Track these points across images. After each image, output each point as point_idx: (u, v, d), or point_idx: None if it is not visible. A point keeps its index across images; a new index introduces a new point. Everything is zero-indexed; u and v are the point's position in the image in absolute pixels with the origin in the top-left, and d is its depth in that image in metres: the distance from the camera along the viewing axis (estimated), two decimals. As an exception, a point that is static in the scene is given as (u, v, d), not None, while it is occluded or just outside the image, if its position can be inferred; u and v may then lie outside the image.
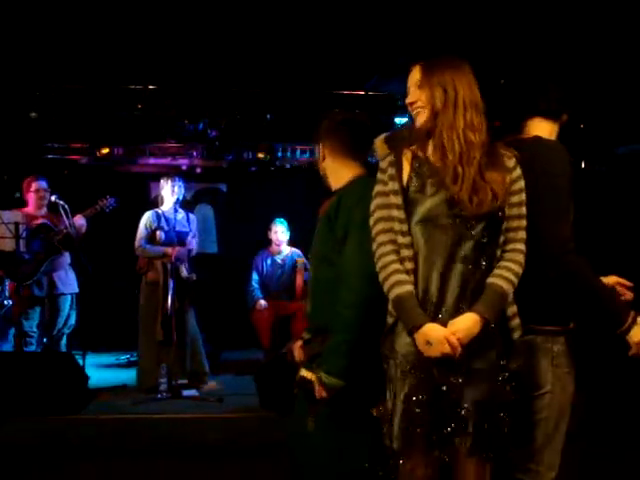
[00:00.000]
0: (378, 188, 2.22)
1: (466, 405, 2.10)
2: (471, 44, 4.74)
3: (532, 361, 2.31)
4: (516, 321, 2.18)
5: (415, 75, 2.23)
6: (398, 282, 2.12)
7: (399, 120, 6.79)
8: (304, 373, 2.45)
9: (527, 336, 2.29)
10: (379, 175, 2.23)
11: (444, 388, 2.11)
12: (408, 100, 2.24)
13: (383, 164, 2.24)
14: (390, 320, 2.20)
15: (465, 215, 2.10)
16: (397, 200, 2.16)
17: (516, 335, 2.17)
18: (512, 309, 2.18)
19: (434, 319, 2.10)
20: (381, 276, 2.16)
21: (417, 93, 2.20)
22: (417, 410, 2.10)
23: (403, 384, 2.13)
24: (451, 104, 2.14)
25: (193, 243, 5.78)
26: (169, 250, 5.57)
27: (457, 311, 2.10)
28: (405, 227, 2.15)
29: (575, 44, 4.89)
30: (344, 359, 2.33)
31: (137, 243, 5.69)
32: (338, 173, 2.61)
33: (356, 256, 2.34)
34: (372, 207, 2.22)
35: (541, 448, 2.33)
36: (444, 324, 2.08)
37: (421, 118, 2.19)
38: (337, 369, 2.33)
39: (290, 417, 2.62)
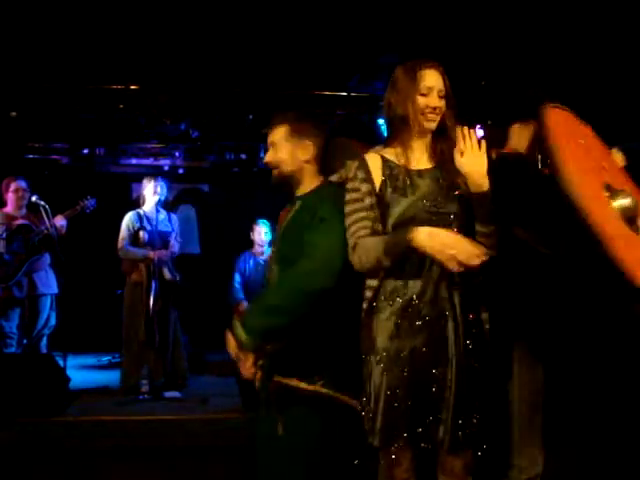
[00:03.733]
0: (351, 196, 2.26)
1: (446, 395, 2.15)
2: (452, 44, 4.77)
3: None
4: (486, 314, 2.24)
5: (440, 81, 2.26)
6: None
7: (381, 120, 6.81)
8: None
9: None
10: (349, 184, 2.28)
11: (425, 380, 2.16)
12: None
13: (350, 173, 2.29)
14: (367, 319, 2.24)
15: (441, 215, 2.19)
16: (372, 200, 2.22)
17: (487, 326, 2.23)
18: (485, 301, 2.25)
19: (413, 311, 2.17)
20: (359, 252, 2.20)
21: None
22: (398, 403, 2.14)
23: (384, 379, 2.17)
24: None
25: (176, 245, 5.76)
26: (151, 254, 5.56)
27: (439, 303, 2.17)
28: (379, 226, 2.21)
29: (559, 46, 4.93)
30: (261, 318, 2.33)
31: (120, 244, 5.66)
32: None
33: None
34: (346, 212, 2.26)
35: (520, 442, 2.38)
36: (421, 316, 2.16)
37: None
38: (250, 325, 2.33)
39: (258, 420, 2.57)
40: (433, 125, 2.24)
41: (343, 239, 2.24)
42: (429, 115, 2.23)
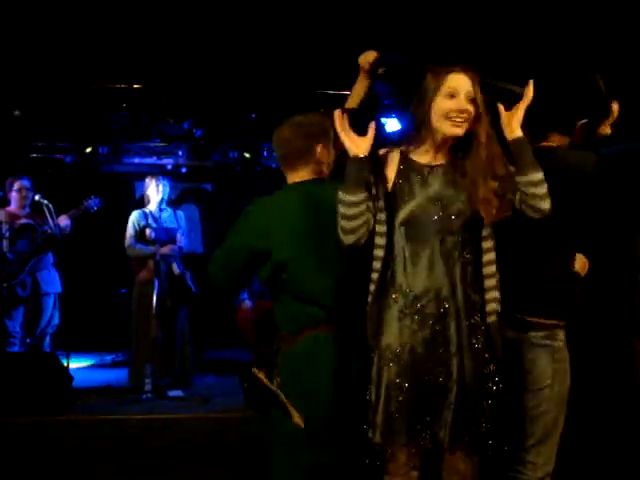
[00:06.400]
0: None
1: (449, 394, 2.15)
2: (456, 45, 4.76)
3: (533, 356, 2.36)
4: (492, 306, 2.21)
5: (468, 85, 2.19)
6: None
7: (384, 120, 6.79)
8: (255, 371, 2.49)
9: (529, 333, 2.35)
10: None
11: (427, 377, 2.15)
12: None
13: None
14: (371, 315, 2.24)
15: (448, 213, 2.18)
16: (378, 204, 2.23)
17: (490, 319, 2.20)
18: (492, 294, 2.21)
19: (416, 309, 2.17)
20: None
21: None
22: (399, 398, 2.15)
23: (386, 373, 2.18)
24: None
25: (183, 240, 5.76)
26: (159, 250, 5.55)
27: (443, 302, 2.16)
28: (383, 228, 2.22)
29: (559, 43, 4.92)
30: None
31: (127, 242, 5.66)
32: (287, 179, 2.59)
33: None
34: None
35: (540, 441, 2.37)
36: (424, 315, 2.16)
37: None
38: None
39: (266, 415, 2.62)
40: (460, 131, 2.16)
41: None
42: (456, 119, 2.15)
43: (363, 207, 2.16)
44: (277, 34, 5.22)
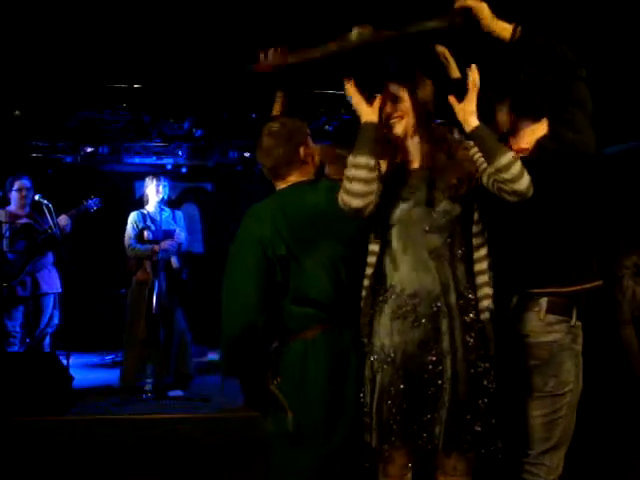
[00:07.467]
0: None
1: (443, 393, 2.14)
2: (455, 46, 4.75)
3: (560, 360, 2.33)
4: (485, 303, 2.21)
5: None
6: None
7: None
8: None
9: (553, 335, 2.32)
10: None
11: (421, 377, 2.15)
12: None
13: None
14: (366, 317, 2.26)
15: (434, 212, 2.20)
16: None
17: (484, 316, 2.20)
18: (485, 291, 2.22)
19: (408, 309, 2.17)
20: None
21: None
22: (394, 402, 2.15)
23: (380, 375, 2.18)
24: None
25: (182, 237, 5.73)
26: (157, 247, 5.54)
27: (435, 300, 2.17)
28: (378, 224, 2.24)
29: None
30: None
31: (126, 242, 5.65)
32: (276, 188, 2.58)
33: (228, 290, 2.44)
34: None
35: (557, 445, 2.36)
36: (416, 314, 2.16)
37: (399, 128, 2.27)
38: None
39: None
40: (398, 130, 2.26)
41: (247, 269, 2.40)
42: (390, 121, 2.26)
43: (375, 174, 2.12)
44: (277, 34, 5.21)
